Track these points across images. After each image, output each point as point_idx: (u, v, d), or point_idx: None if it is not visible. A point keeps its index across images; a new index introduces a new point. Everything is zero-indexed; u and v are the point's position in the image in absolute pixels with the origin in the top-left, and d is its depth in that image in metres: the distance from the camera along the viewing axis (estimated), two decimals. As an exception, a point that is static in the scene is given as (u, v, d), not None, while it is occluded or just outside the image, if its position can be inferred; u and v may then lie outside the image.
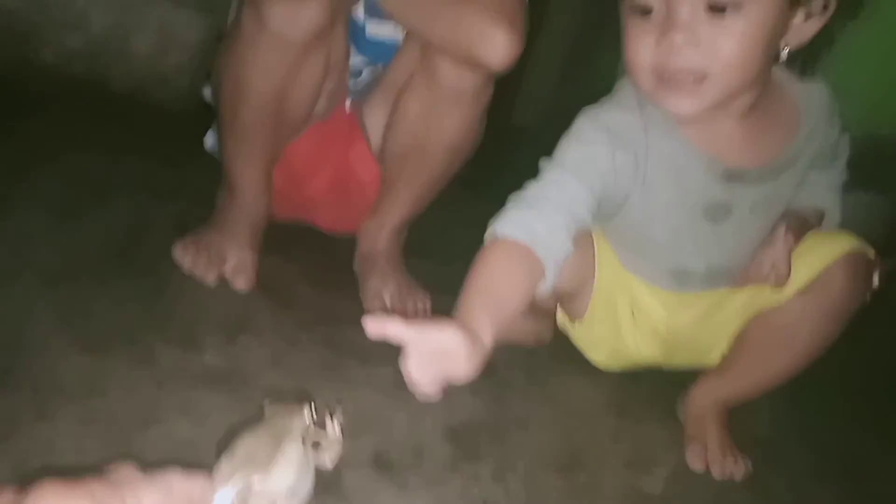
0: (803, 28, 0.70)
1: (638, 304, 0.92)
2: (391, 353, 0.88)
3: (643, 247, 0.88)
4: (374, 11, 0.97)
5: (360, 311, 0.98)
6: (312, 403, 0.55)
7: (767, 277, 0.82)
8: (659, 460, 0.85)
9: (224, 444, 0.50)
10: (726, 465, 0.87)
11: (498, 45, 0.84)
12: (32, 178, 1.04)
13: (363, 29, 1.00)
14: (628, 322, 0.94)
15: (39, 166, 1.09)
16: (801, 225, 0.84)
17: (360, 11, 0.99)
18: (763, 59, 0.69)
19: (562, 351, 1.06)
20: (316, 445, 0.57)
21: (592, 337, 0.98)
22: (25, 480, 0.51)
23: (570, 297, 0.95)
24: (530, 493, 0.71)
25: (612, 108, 0.78)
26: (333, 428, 0.59)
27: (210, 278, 0.91)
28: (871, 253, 0.82)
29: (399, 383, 0.82)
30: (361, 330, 0.91)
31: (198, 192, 1.08)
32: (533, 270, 0.68)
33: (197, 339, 0.78)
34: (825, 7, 0.69)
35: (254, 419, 0.55)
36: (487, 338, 0.61)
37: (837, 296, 0.81)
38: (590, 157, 0.75)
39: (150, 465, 0.47)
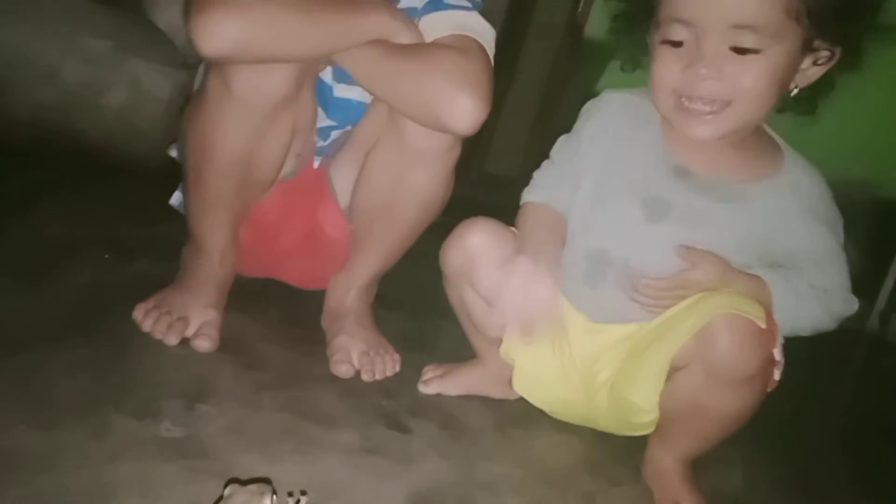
0: (809, 73, 0.80)
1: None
2: (355, 416, 0.87)
3: (575, 228, 0.92)
4: (342, 76, 0.98)
5: (326, 370, 0.96)
6: (274, 491, 0.53)
7: (643, 294, 0.83)
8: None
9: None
10: None
11: (463, 111, 0.85)
12: (-1, 236, 1.03)
13: (332, 91, 1.01)
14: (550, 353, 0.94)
15: (5, 220, 1.08)
16: (725, 275, 0.80)
17: (328, 75, 1.00)
18: (776, 94, 0.79)
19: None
20: None
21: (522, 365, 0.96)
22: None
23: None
24: (497, 564, 0.69)
25: (616, 93, 0.93)
26: None
27: (171, 340, 0.89)
28: (764, 325, 0.75)
29: (363, 448, 0.81)
30: (326, 391, 0.91)
31: (164, 251, 1.07)
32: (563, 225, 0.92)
33: (154, 407, 0.76)
34: (830, 56, 0.79)
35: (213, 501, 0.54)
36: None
37: (718, 357, 0.76)
38: (595, 137, 0.91)
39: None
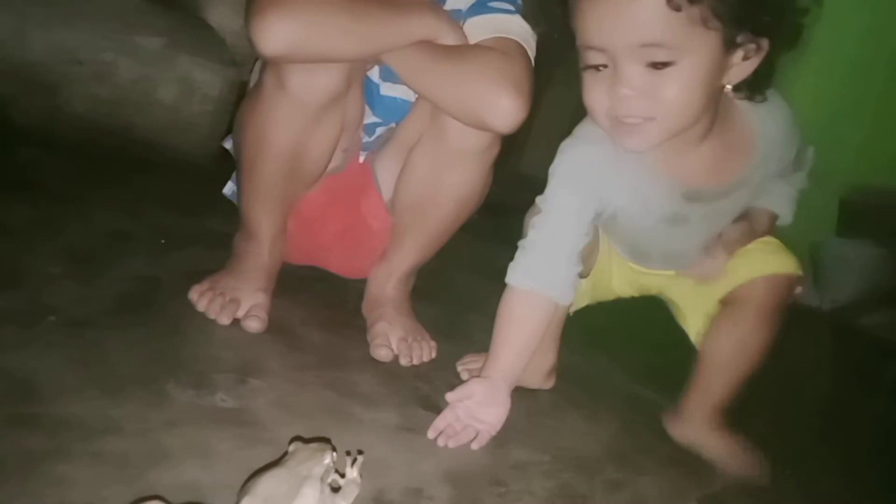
0: (743, 66, 0.79)
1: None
2: (393, 397, 0.91)
3: (611, 238, 1.08)
4: (388, 75, 1.03)
5: (366, 354, 1.01)
6: (334, 449, 0.57)
7: (704, 276, 1.00)
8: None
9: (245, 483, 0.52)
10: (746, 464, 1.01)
11: (503, 111, 0.88)
12: (56, 225, 1.10)
13: (378, 89, 1.06)
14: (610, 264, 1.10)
15: (64, 213, 1.15)
16: (749, 234, 1.00)
17: (375, 74, 1.04)
18: (704, 98, 0.79)
19: (564, 395, 1.08)
20: (335, 489, 0.60)
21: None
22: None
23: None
24: (527, 538, 0.72)
25: (585, 145, 0.91)
26: (353, 473, 0.62)
27: (224, 320, 0.94)
28: (798, 272, 1.01)
29: (401, 427, 0.85)
30: (366, 373, 0.95)
31: (212, 240, 1.13)
32: (548, 311, 0.93)
33: (209, 380, 0.81)
34: (758, 48, 0.78)
35: (275, 459, 0.58)
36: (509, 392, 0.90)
37: (755, 306, 0.98)
38: (575, 207, 0.92)
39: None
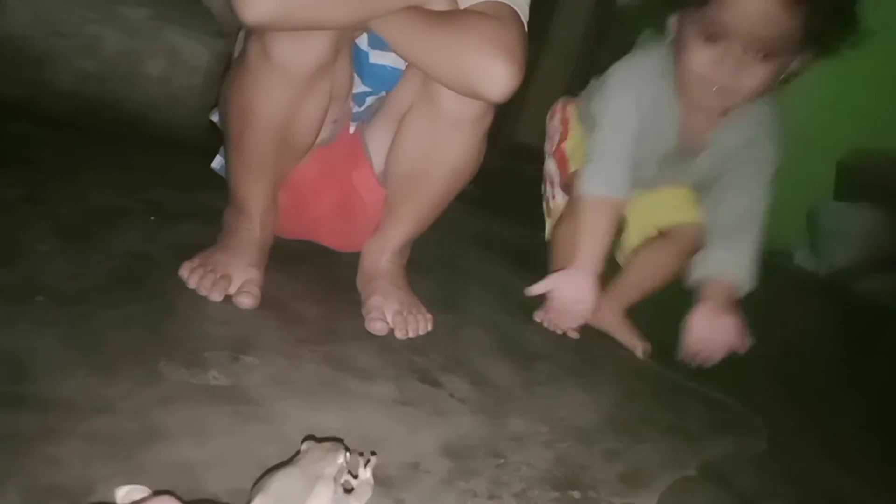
0: (792, 67, 1.03)
1: None
2: (389, 371, 0.91)
3: None
4: (377, 43, 1.00)
5: (362, 328, 1.00)
6: (347, 449, 0.57)
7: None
8: (655, 478, 0.86)
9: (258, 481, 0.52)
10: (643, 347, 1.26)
11: (497, 78, 0.86)
12: (46, 201, 1.08)
13: (367, 58, 1.03)
14: None
15: (53, 188, 1.13)
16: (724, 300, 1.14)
17: (364, 42, 1.02)
18: (770, 87, 1.03)
19: (562, 366, 1.07)
20: (348, 490, 0.59)
21: None
22: (33, 499, 0.53)
23: None
24: (525, 510, 0.72)
25: (642, 64, 1.12)
26: (366, 474, 0.62)
27: (216, 297, 0.93)
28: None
29: (397, 400, 0.84)
30: (362, 347, 0.94)
31: (204, 216, 1.11)
32: (618, 209, 1.17)
33: (201, 358, 0.80)
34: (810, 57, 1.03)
35: (287, 459, 0.57)
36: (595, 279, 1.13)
37: (682, 243, 1.23)
38: (628, 114, 1.12)
39: (156, 484, 0.50)
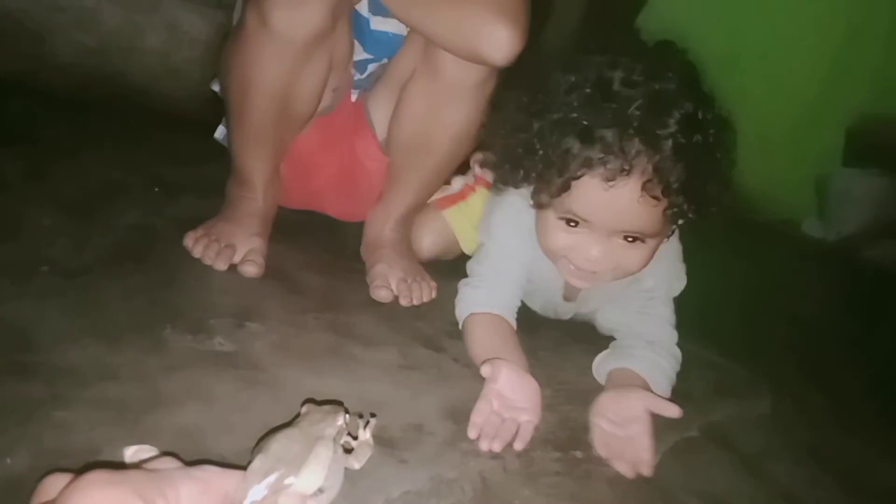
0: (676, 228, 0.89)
1: None
2: (393, 337, 0.91)
3: None
4: (378, 9, 0.99)
5: (366, 296, 1.00)
6: (347, 411, 0.57)
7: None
8: (657, 439, 0.86)
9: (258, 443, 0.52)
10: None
11: (500, 42, 0.85)
12: (48, 176, 1.08)
13: (368, 24, 1.02)
14: None
15: (54, 164, 1.13)
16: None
17: (364, 8, 1.00)
18: (650, 259, 0.88)
19: (566, 332, 1.07)
20: (348, 450, 0.60)
21: None
22: (42, 462, 0.54)
23: None
24: (527, 469, 0.72)
25: (513, 230, 0.96)
26: (366, 435, 0.62)
27: (220, 266, 0.94)
28: None
29: (402, 365, 0.85)
30: (366, 314, 0.95)
31: (206, 188, 1.11)
32: (509, 326, 0.94)
33: (206, 325, 0.80)
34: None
35: (287, 421, 0.58)
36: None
37: None
38: (514, 244, 0.97)
39: (162, 447, 0.50)
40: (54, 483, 0.38)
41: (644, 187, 0.78)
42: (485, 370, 0.81)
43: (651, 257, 0.88)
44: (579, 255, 0.86)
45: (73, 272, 0.84)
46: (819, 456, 0.96)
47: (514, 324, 0.95)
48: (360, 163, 1.10)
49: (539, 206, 0.87)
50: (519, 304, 0.98)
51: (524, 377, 0.83)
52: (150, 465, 0.46)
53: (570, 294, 1.03)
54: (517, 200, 0.93)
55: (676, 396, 0.97)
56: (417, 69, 0.98)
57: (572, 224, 0.84)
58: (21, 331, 0.71)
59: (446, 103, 0.97)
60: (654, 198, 0.78)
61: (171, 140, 1.42)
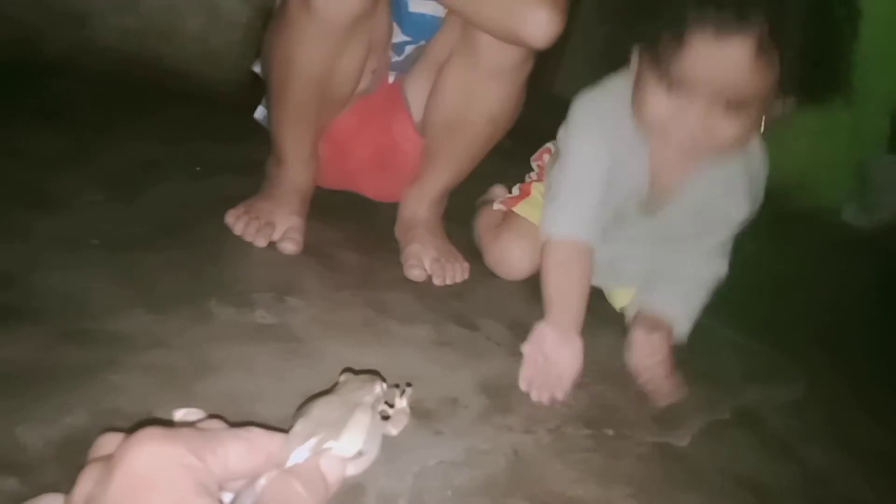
0: (775, 111, 0.85)
1: None
2: (428, 315, 0.93)
3: None
4: None
5: (401, 276, 1.02)
6: (384, 380, 0.60)
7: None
8: (689, 420, 0.87)
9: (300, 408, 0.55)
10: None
11: (540, 24, 0.85)
12: (91, 154, 1.12)
13: (406, 6, 1.03)
14: None
15: (97, 142, 1.17)
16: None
17: (403, -8, 1.01)
18: (748, 136, 0.85)
19: (598, 311, 1.08)
20: (385, 417, 0.62)
21: None
22: (99, 421, 0.57)
23: None
24: (558, 444, 0.74)
25: (609, 100, 0.93)
26: (402, 403, 0.65)
27: (260, 243, 0.96)
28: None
29: (436, 342, 0.87)
30: (401, 292, 0.97)
31: (244, 167, 1.14)
32: (588, 254, 0.95)
33: (249, 299, 0.83)
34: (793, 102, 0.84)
35: (326, 389, 0.60)
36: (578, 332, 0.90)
37: None
38: (594, 154, 0.95)
39: (209, 411, 0.53)
40: (110, 441, 0.40)
41: (759, 46, 0.74)
42: (525, 347, 0.87)
43: (748, 136, 0.85)
44: (678, 124, 0.82)
45: (121, 245, 0.87)
46: (848, 441, 0.96)
47: (593, 242, 0.95)
48: (396, 144, 1.11)
49: (641, 71, 0.86)
50: (600, 215, 0.96)
51: (568, 340, 0.88)
52: (198, 426, 0.49)
53: (654, 198, 0.96)
54: (597, 94, 0.95)
55: (708, 380, 0.98)
56: (455, 51, 0.99)
57: (674, 88, 0.81)
58: (75, 300, 0.74)
59: (483, 85, 0.98)
60: (767, 61, 0.75)
61: (210, 121, 1.45)
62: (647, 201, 0.98)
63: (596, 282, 1.09)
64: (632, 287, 1.09)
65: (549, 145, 1.21)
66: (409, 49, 1.08)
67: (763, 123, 0.85)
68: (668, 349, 0.94)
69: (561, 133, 1.01)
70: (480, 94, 0.99)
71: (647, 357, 0.92)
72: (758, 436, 0.89)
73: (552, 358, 0.86)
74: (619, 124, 0.91)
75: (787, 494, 0.79)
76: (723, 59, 0.75)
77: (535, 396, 0.81)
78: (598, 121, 0.94)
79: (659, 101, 0.83)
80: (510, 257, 1.10)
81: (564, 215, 0.95)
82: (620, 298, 1.13)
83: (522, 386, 0.83)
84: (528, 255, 1.09)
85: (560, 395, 0.83)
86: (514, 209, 1.13)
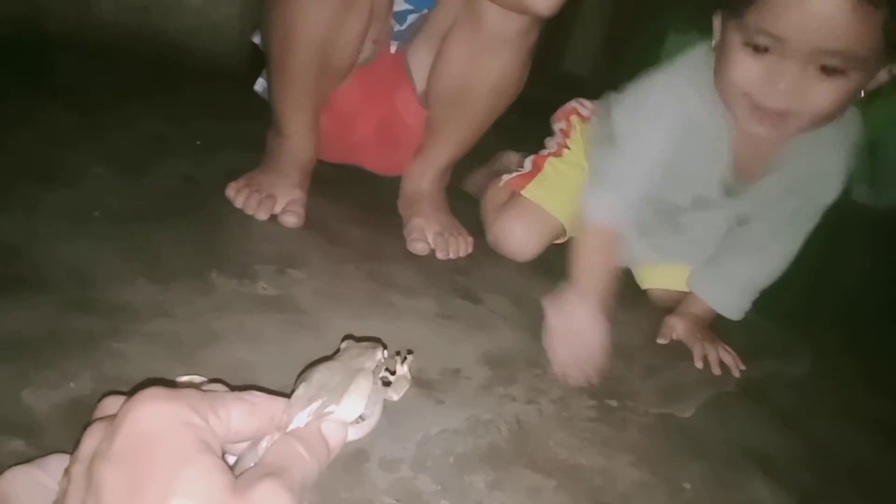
0: (880, 78, 0.77)
1: None
2: (431, 288, 0.93)
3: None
4: None
5: (403, 249, 1.02)
6: (385, 347, 0.60)
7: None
8: (694, 392, 0.87)
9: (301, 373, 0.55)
10: None
11: None
12: (97, 128, 1.11)
13: None
14: None
15: (102, 116, 1.16)
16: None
17: (405, -42, 1.00)
18: (847, 106, 0.77)
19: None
20: (386, 383, 0.62)
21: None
22: (102, 387, 0.58)
23: None
24: (562, 414, 0.74)
25: (682, 94, 0.87)
26: (403, 369, 0.65)
27: (262, 216, 0.96)
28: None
29: (439, 314, 0.87)
30: (404, 266, 0.96)
31: (248, 143, 1.13)
32: (622, 238, 0.93)
33: (250, 271, 0.83)
34: None
35: (328, 355, 0.61)
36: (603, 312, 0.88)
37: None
38: (657, 144, 0.90)
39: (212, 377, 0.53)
40: (113, 402, 0.40)
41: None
42: (550, 308, 0.87)
43: (847, 102, 0.76)
44: (766, 89, 0.75)
45: (124, 218, 0.87)
46: (853, 416, 0.95)
47: (629, 227, 0.94)
48: (399, 116, 1.10)
49: (725, 36, 0.79)
50: (641, 203, 0.93)
51: (596, 319, 0.87)
52: (202, 389, 0.49)
53: (740, 179, 0.93)
54: (671, 71, 0.89)
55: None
56: (458, 19, 0.98)
57: (761, 50, 0.74)
58: (79, 270, 0.74)
59: (487, 54, 0.97)
60: (867, 17, 0.67)
61: (211, 95, 1.44)
62: (732, 183, 0.94)
63: (649, 261, 1.12)
64: (675, 265, 1.10)
65: (573, 104, 1.18)
66: (411, 18, 1.06)
67: (863, 92, 0.77)
68: (706, 331, 1.00)
69: (617, 113, 0.94)
70: (484, 63, 0.97)
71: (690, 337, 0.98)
72: (763, 408, 0.89)
73: (583, 336, 0.84)
74: (698, 102, 0.86)
75: (790, 464, 0.79)
76: (813, 10, 0.68)
77: (568, 376, 0.80)
78: (673, 102, 0.88)
79: (746, 64, 0.76)
80: (511, 240, 1.08)
81: (610, 201, 0.91)
82: (653, 278, 1.13)
83: (555, 366, 0.81)
84: (531, 238, 1.08)
85: (594, 377, 0.81)
86: (523, 192, 1.10)
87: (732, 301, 1.02)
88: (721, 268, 1.02)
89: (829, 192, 0.93)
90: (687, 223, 1.03)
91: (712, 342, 0.98)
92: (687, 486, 0.69)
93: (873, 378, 1.11)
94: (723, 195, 0.95)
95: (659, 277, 1.13)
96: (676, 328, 1.00)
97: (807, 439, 0.85)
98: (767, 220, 0.97)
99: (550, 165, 1.12)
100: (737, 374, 0.95)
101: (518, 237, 1.08)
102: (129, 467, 0.31)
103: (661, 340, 0.99)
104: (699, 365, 0.95)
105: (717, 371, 0.94)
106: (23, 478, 0.39)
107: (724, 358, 0.96)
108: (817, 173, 0.91)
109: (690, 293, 1.05)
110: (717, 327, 1.03)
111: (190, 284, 0.78)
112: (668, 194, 0.98)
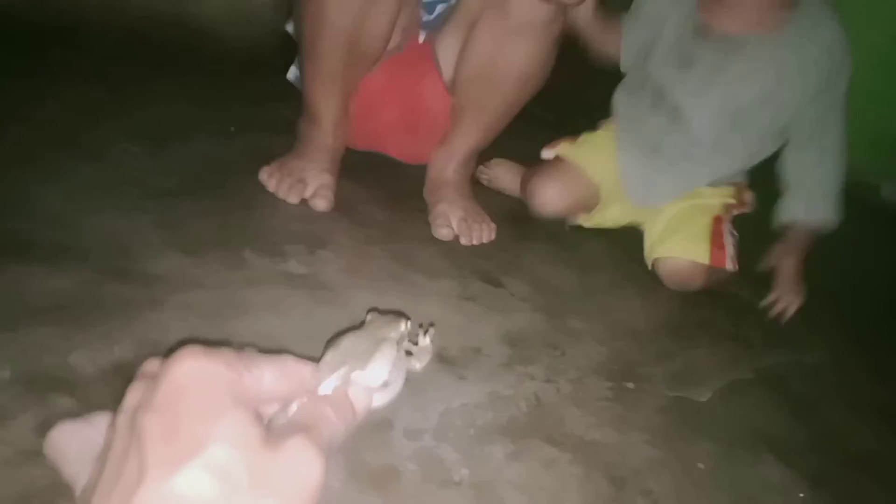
0: None
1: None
2: (454, 270, 0.95)
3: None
4: None
5: (428, 233, 1.04)
6: (408, 319, 0.63)
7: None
8: (710, 377, 0.89)
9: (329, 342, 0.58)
10: None
11: None
12: (131, 109, 1.15)
13: None
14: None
15: (137, 99, 1.20)
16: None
17: (434, -53, 1.02)
18: None
19: (622, 273, 1.09)
20: (409, 353, 0.65)
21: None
22: (143, 351, 0.61)
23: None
24: (579, 393, 0.76)
25: None
26: (426, 340, 0.67)
27: (293, 200, 0.99)
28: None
29: (461, 296, 0.89)
30: (428, 249, 0.99)
31: (275, 126, 1.17)
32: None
33: (281, 249, 0.86)
34: None
35: (353, 326, 0.64)
36: None
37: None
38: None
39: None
40: (155, 365, 0.43)
41: None
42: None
43: None
44: None
45: (157, 193, 0.91)
46: (864, 406, 0.96)
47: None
48: (426, 103, 1.13)
49: None
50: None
51: None
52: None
53: (709, 19, 1.11)
54: None
55: (734, 341, 0.99)
56: (486, 8, 1.00)
57: None
58: (115, 241, 0.78)
59: (513, 42, 0.98)
60: None
61: (243, 80, 1.48)
62: (700, 28, 1.11)
63: (645, 197, 1.21)
64: (676, 233, 1.17)
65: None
66: (440, 8, 1.08)
67: None
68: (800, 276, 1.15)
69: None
70: (510, 51, 0.99)
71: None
72: (776, 395, 0.90)
73: None
74: None
75: (802, 449, 0.80)
76: None
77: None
78: None
79: None
80: (543, 192, 1.19)
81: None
82: (658, 247, 1.17)
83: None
84: (562, 192, 1.19)
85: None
86: (557, 151, 1.23)
87: (828, 211, 1.16)
88: (803, 190, 1.16)
89: (844, 73, 1.09)
90: (668, 144, 1.18)
91: (796, 295, 1.14)
92: (700, 465, 0.71)
93: (886, 372, 1.11)
94: (699, 43, 1.12)
95: (664, 246, 1.16)
96: (782, 263, 1.16)
97: (816, 425, 0.86)
98: (802, 127, 1.12)
99: (585, 134, 1.25)
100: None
101: (549, 190, 1.18)
102: (169, 416, 0.34)
103: (762, 268, 1.17)
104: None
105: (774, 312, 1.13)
106: (72, 430, 0.42)
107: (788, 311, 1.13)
108: (816, 56, 1.07)
109: (788, 229, 1.18)
110: (733, 317, 1.04)
111: (223, 259, 0.81)
112: (655, 67, 1.17)
